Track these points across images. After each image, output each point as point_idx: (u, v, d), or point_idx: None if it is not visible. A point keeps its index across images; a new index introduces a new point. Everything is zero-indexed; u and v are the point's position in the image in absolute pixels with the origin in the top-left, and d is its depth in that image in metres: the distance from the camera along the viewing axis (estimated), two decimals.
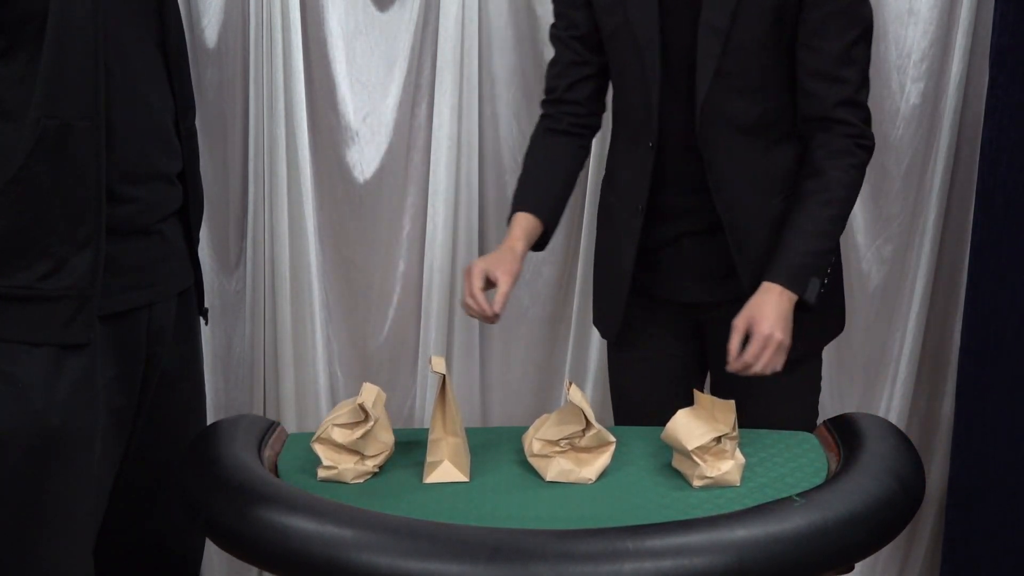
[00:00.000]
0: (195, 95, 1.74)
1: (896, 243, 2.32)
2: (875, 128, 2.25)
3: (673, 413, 1.75)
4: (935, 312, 2.36)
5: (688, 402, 1.90)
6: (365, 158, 2.28)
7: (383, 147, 2.28)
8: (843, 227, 1.73)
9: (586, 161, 1.91)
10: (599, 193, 1.95)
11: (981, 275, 2.12)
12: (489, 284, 1.67)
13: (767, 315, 1.62)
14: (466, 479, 1.46)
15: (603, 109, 1.90)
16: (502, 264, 1.68)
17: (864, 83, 1.70)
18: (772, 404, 1.71)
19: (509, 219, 1.79)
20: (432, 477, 1.46)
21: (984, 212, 2.10)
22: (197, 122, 1.74)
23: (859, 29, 1.67)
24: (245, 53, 2.22)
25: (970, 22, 2.19)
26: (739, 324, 1.62)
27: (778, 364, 1.63)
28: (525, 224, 1.76)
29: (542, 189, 1.82)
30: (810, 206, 1.68)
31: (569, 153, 1.86)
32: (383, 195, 2.30)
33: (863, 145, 1.70)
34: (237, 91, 2.25)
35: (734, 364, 1.61)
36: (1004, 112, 2.04)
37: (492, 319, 1.65)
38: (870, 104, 2.25)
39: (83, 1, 1.37)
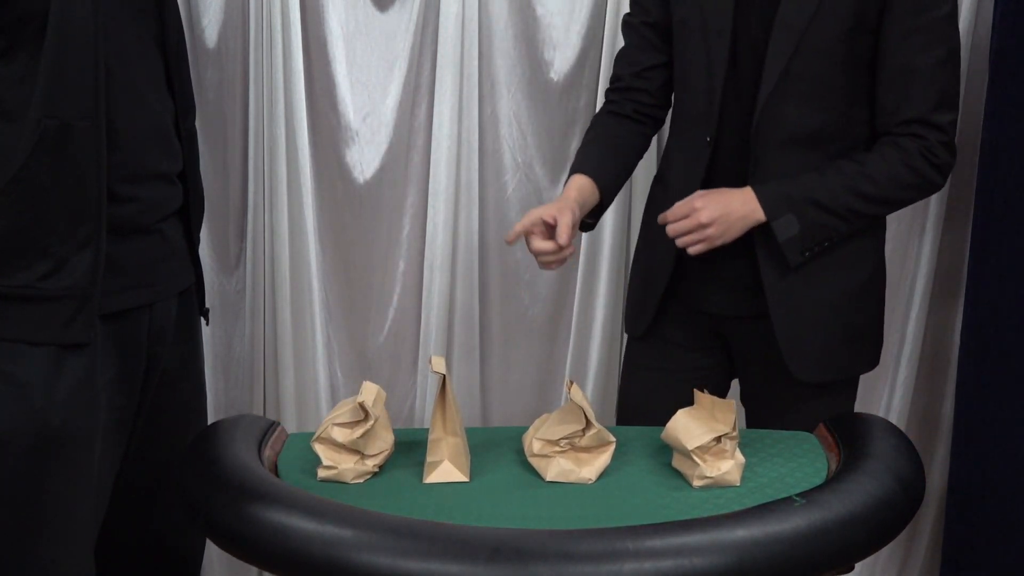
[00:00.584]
0: (195, 95, 1.74)
1: (896, 243, 2.32)
2: None
3: None
4: (935, 312, 2.36)
5: None
6: (365, 158, 2.28)
7: (383, 147, 2.28)
8: (864, 209, 1.65)
9: (645, 152, 1.90)
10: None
11: (981, 275, 2.12)
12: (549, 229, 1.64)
13: (713, 199, 1.63)
14: (466, 479, 1.46)
15: (669, 104, 1.88)
16: (556, 206, 1.65)
17: (945, 105, 1.64)
18: (800, 428, 1.67)
19: (566, 182, 1.77)
20: (432, 477, 1.46)
21: (984, 212, 2.10)
22: (197, 122, 1.74)
23: (943, 49, 1.63)
24: (245, 53, 2.22)
25: (970, 22, 2.18)
26: (698, 192, 1.66)
27: (693, 245, 1.64)
28: (580, 184, 1.74)
29: (602, 158, 1.80)
30: (838, 164, 1.65)
31: (631, 134, 1.85)
32: (383, 195, 2.30)
33: (930, 160, 1.64)
34: (237, 91, 2.25)
35: (660, 217, 1.67)
36: (1004, 112, 2.04)
37: (566, 251, 1.63)
38: None
39: (83, 1, 1.37)
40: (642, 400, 1.89)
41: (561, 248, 1.62)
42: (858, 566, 1.37)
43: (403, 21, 2.23)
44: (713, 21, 1.68)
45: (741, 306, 1.76)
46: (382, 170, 2.29)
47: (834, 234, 1.67)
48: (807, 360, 1.71)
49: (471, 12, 2.19)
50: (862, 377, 2.37)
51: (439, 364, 1.45)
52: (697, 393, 1.47)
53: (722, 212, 1.62)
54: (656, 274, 1.80)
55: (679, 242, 1.64)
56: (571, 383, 1.47)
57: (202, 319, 1.76)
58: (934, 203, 2.27)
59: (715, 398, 1.45)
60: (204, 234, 2.27)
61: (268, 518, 1.25)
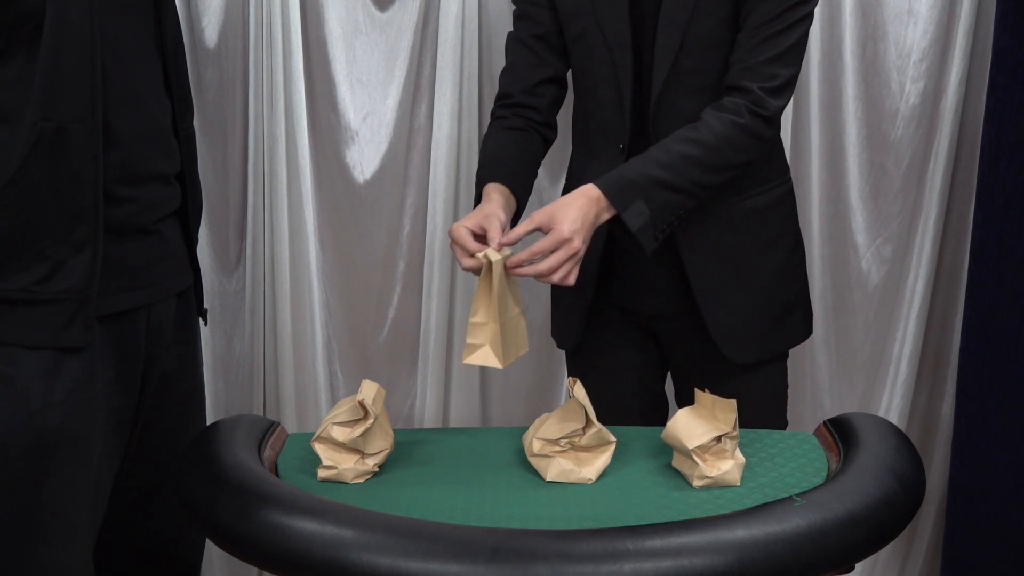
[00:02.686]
0: (195, 95, 1.74)
1: (896, 243, 2.32)
2: (875, 128, 2.28)
3: (637, 420, 1.75)
4: (935, 312, 2.36)
5: (650, 409, 1.91)
6: (365, 158, 2.28)
7: (383, 147, 2.28)
8: (706, 179, 1.61)
9: (542, 160, 1.84)
10: None
11: (981, 275, 2.12)
12: (478, 238, 1.55)
13: (571, 217, 1.51)
14: (500, 366, 1.46)
15: (555, 125, 1.83)
16: (486, 215, 1.57)
17: (781, 60, 1.61)
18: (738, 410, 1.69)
19: (478, 197, 1.68)
20: (472, 359, 1.46)
21: (984, 212, 2.10)
22: (197, 122, 1.74)
23: (800, 11, 1.61)
24: (245, 53, 2.22)
25: (970, 22, 2.19)
26: (536, 217, 1.53)
27: (569, 277, 1.52)
28: (500, 189, 1.65)
29: (511, 167, 1.71)
30: (668, 140, 1.62)
31: (531, 141, 1.78)
32: (383, 195, 2.30)
33: (756, 112, 1.61)
34: (237, 91, 2.25)
35: (516, 258, 1.50)
36: (1004, 112, 2.04)
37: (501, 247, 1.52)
38: (868, 102, 2.27)
39: (80, 3, 1.36)
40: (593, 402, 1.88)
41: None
42: (858, 566, 1.37)
43: (403, 20, 2.23)
44: (611, 33, 1.67)
45: (670, 305, 1.78)
46: (382, 170, 2.29)
47: (682, 212, 1.63)
48: (741, 344, 1.74)
49: (471, 12, 2.19)
50: (862, 378, 2.40)
51: (493, 254, 1.45)
52: (698, 392, 1.47)
53: (584, 229, 1.53)
54: (580, 286, 1.74)
55: (556, 276, 1.51)
56: (574, 381, 1.46)
57: (200, 320, 1.76)
58: (934, 203, 2.27)
59: (716, 397, 1.44)
60: (204, 234, 2.27)
61: (268, 518, 1.25)
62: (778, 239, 1.78)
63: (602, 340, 1.85)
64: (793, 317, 1.82)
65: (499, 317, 1.46)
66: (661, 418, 1.92)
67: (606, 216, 1.57)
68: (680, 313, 1.77)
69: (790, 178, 1.82)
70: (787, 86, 1.64)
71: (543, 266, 1.51)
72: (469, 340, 1.46)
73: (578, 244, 1.51)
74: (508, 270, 1.50)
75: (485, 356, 1.45)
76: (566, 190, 1.87)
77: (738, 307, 1.74)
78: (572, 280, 1.53)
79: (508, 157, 1.74)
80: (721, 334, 1.73)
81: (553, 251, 1.51)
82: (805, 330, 1.86)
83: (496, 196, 1.64)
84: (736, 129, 1.60)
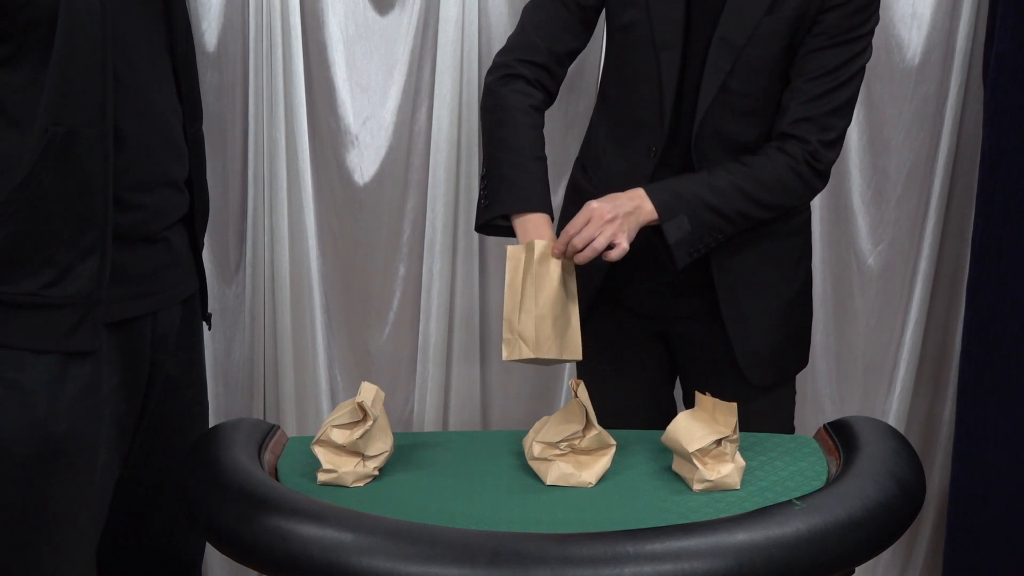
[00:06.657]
0: None
1: (896, 247, 2.32)
2: (877, 132, 2.28)
3: (645, 425, 1.75)
4: (936, 315, 2.36)
5: (659, 414, 1.91)
6: (365, 162, 2.28)
7: (383, 151, 2.28)
8: (752, 213, 1.64)
9: None
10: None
11: (981, 279, 2.12)
12: None
13: (608, 198, 1.56)
14: (531, 354, 1.48)
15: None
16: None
17: (839, 113, 1.65)
18: (744, 425, 1.69)
19: (511, 217, 1.63)
20: (507, 355, 1.48)
21: (984, 216, 2.10)
22: None
23: (858, 63, 1.63)
24: (245, 57, 2.22)
25: (971, 26, 2.19)
26: (581, 214, 1.56)
27: (617, 238, 1.53)
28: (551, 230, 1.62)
29: (545, 184, 1.67)
30: (724, 167, 1.63)
31: (541, 133, 1.72)
32: (383, 199, 2.30)
33: (814, 167, 1.64)
34: (237, 95, 2.25)
35: (559, 241, 1.54)
36: (1004, 116, 2.04)
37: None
38: (871, 107, 2.27)
39: (91, 7, 1.36)
40: (594, 401, 1.88)
41: None
42: (858, 570, 1.37)
43: (403, 25, 2.23)
44: (661, 32, 1.64)
45: (680, 308, 1.78)
46: (382, 174, 2.29)
47: (720, 236, 1.64)
48: (762, 367, 1.76)
49: (471, 15, 2.19)
50: (863, 381, 2.40)
51: (539, 243, 1.49)
52: (698, 395, 1.47)
53: (618, 208, 1.55)
54: (589, 271, 1.74)
55: (600, 241, 1.53)
56: (577, 383, 1.46)
57: (205, 325, 1.75)
58: (935, 207, 2.27)
59: (716, 400, 1.44)
60: (204, 239, 2.27)
61: (268, 522, 1.25)
62: (798, 265, 1.80)
63: (612, 345, 1.84)
64: (801, 343, 1.85)
65: (540, 310, 1.47)
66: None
67: (646, 219, 1.58)
68: (687, 317, 1.77)
69: (810, 205, 1.82)
70: (839, 140, 1.67)
71: (577, 239, 1.53)
72: (505, 335, 1.47)
73: (607, 213, 1.53)
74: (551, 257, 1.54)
75: (517, 349, 1.45)
76: (581, 161, 1.85)
77: (762, 331, 1.75)
78: (622, 241, 1.54)
79: (543, 169, 1.68)
80: (745, 356, 1.74)
81: (588, 223, 1.54)
82: (805, 358, 1.88)
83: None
84: (793, 175, 1.64)
